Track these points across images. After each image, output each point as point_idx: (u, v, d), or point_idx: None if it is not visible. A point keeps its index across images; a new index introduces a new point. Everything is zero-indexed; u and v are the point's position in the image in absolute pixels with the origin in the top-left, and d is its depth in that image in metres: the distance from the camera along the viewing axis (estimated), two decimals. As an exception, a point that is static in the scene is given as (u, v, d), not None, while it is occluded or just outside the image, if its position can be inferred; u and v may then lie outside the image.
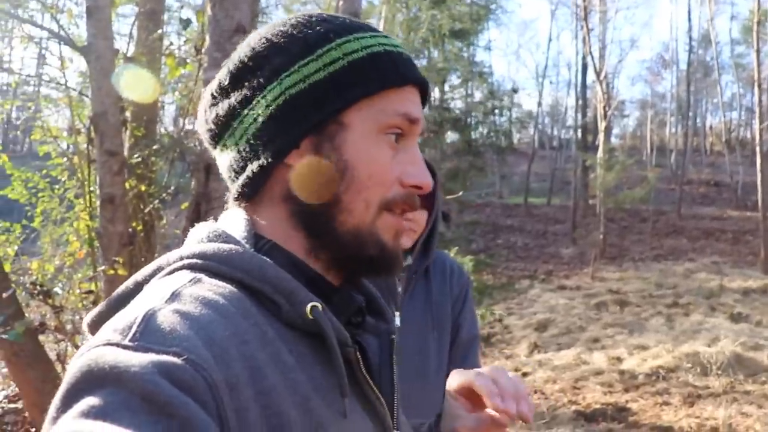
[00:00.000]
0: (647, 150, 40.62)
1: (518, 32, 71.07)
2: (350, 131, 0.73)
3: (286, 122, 0.72)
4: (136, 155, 4.44)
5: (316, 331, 0.67)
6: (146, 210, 4.57)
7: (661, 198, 26.89)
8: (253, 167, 0.74)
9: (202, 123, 0.80)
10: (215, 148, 0.79)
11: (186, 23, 4.95)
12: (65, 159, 4.72)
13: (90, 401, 0.50)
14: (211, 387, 0.55)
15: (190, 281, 0.65)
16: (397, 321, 1.78)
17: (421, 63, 8.25)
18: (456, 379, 0.91)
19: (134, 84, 3.93)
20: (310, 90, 0.72)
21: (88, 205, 4.36)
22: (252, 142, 0.74)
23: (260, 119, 0.73)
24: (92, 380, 0.52)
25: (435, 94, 10.10)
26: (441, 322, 1.90)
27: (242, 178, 0.76)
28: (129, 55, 4.61)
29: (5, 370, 4.77)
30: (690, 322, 10.83)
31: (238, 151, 0.75)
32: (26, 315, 4.04)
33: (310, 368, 0.68)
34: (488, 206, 27.67)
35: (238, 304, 0.65)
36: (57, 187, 4.95)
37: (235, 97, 0.75)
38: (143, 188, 4.59)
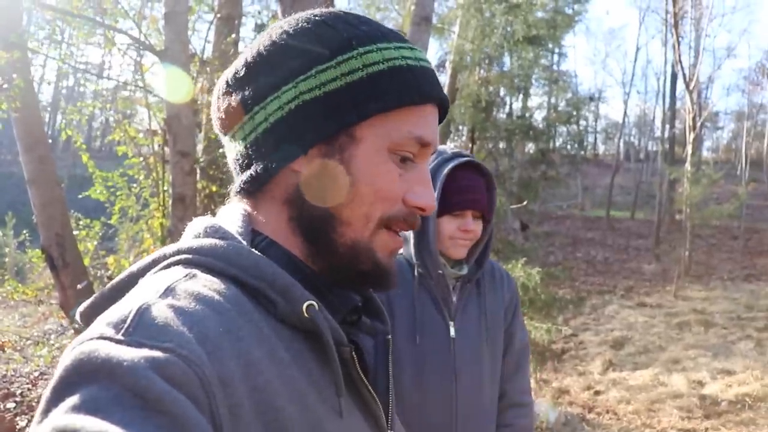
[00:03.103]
0: (742, 164, 38.48)
1: (605, 41, 69.14)
2: (361, 145, 0.71)
3: (297, 128, 0.70)
4: (203, 157, 4.57)
5: (312, 329, 0.67)
6: (216, 210, 4.71)
7: (755, 215, 25.40)
8: (258, 167, 0.73)
9: (214, 108, 0.79)
10: (225, 136, 0.78)
11: (261, 28, 5.09)
12: (141, 159, 4.92)
13: (81, 395, 0.50)
14: (204, 383, 0.54)
15: (185, 277, 0.65)
16: (452, 332, 1.80)
17: (494, 70, 8.12)
18: None
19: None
20: (325, 99, 0.69)
21: (161, 203, 4.52)
22: (260, 140, 0.72)
23: (271, 119, 0.71)
24: (84, 374, 0.52)
25: (509, 101, 9.95)
26: (493, 331, 1.88)
27: (246, 175, 0.74)
28: (204, 59, 4.77)
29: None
30: (784, 348, 10.09)
31: (246, 147, 0.74)
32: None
33: (306, 366, 0.67)
34: (569, 218, 26.93)
35: (233, 300, 0.64)
36: (134, 186, 5.17)
37: (248, 91, 0.73)
38: (214, 189, 4.73)
